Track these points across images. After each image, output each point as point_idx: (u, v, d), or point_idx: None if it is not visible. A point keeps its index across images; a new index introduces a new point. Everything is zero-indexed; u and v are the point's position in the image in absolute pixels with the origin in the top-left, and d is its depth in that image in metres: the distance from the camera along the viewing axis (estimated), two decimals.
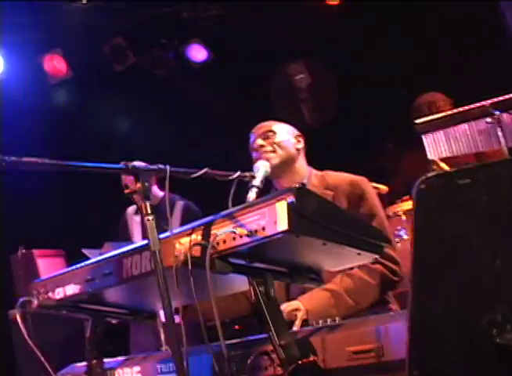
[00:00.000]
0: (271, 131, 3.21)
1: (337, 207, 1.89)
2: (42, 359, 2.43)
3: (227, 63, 7.35)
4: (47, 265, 5.83)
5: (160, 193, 5.10)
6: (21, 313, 2.49)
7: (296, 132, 3.30)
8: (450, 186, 1.06)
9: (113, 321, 2.69)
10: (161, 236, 1.91)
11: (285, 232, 1.66)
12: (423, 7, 6.66)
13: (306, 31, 7.04)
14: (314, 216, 1.71)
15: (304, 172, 3.22)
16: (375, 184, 4.26)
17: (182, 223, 4.84)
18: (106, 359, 2.61)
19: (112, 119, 7.45)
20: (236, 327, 6.09)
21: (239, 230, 1.73)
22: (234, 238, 1.76)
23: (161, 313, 3.35)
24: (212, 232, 1.82)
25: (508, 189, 1.01)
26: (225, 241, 1.79)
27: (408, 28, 6.73)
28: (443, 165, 4.23)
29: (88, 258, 2.47)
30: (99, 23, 6.76)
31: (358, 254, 1.90)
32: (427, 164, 4.60)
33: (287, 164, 3.17)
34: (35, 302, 2.45)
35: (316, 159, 3.38)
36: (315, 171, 3.25)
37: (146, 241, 1.93)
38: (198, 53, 7.35)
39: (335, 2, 7.15)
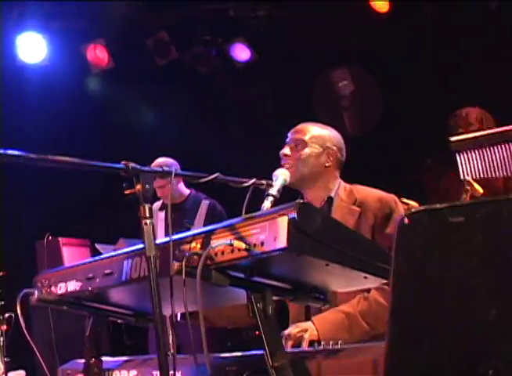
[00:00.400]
0: (303, 141, 3.03)
1: (344, 226, 1.78)
2: (38, 354, 2.38)
3: (270, 65, 7.28)
4: (72, 254, 5.84)
5: (187, 191, 5.05)
6: (21, 305, 2.44)
7: (332, 146, 3.07)
8: (440, 223, 0.94)
9: (119, 321, 2.63)
10: (159, 241, 1.84)
11: (283, 249, 1.57)
12: (475, 20, 6.51)
13: (353, 38, 6.93)
14: (317, 234, 1.61)
15: (333, 185, 3.07)
16: (406, 200, 4.13)
17: (206, 223, 4.79)
18: (105, 359, 2.56)
19: (149, 113, 7.42)
20: (257, 332, 6.02)
21: (236, 243, 1.64)
22: (232, 250, 1.67)
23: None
24: (211, 242, 1.73)
25: (507, 230, 0.89)
26: (223, 253, 1.70)
27: (459, 41, 6.58)
28: (477, 187, 4.07)
29: (100, 254, 2.42)
30: (144, 17, 6.74)
31: (365, 277, 1.79)
32: (463, 186, 4.45)
33: (308, 180, 3.02)
34: (36, 295, 2.40)
35: (351, 169, 3.25)
36: (343, 184, 3.10)
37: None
38: (242, 53, 7.28)
39: (384, 10, 7.02)
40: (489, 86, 6.43)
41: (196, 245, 1.80)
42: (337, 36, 6.98)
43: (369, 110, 7.68)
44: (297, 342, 2.70)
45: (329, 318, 2.79)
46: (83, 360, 2.58)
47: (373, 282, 1.84)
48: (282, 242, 1.57)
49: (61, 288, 2.35)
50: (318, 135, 3.08)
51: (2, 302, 5.48)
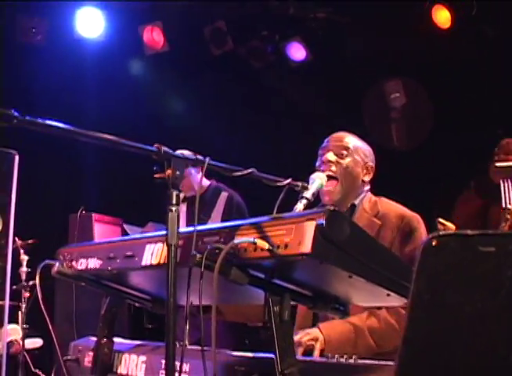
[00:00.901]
0: (347, 148, 2.96)
1: (372, 238, 1.72)
2: (50, 325, 2.37)
3: (324, 67, 7.22)
4: (103, 230, 5.87)
5: (207, 182, 5.01)
6: (40, 275, 2.44)
7: (370, 162, 3.02)
8: (469, 251, 0.87)
9: (136, 304, 2.61)
10: (183, 230, 1.80)
11: (307, 254, 1.51)
12: None
13: (411, 50, 6.84)
14: (343, 244, 1.56)
15: (359, 195, 3.00)
16: (443, 220, 4.03)
17: (225, 215, 4.73)
18: (117, 340, 2.54)
19: (195, 103, 7.41)
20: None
21: (259, 242, 1.59)
22: (255, 249, 1.62)
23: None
24: (235, 238, 1.68)
25: None
26: (245, 250, 1.65)
27: None
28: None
29: (127, 234, 2.40)
30: (205, 4, 6.73)
31: (388, 295, 1.73)
32: (504, 214, 4.34)
33: (348, 195, 2.96)
34: (56, 268, 2.39)
35: (390, 181, 3.18)
36: (369, 195, 3.03)
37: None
38: (297, 52, 7.24)
39: (446, 26, 6.91)
40: None
41: (219, 239, 1.75)
42: (395, 47, 6.90)
43: (419, 126, 7.57)
44: (307, 350, 2.65)
45: (337, 328, 2.73)
46: (95, 338, 2.57)
47: (395, 300, 1.77)
48: (306, 247, 1.51)
49: (82, 264, 2.34)
50: (360, 147, 3.03)
51: (29, 269, 5.54)
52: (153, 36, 6.76)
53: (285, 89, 7.51)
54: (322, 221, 1.51)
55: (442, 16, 6.94)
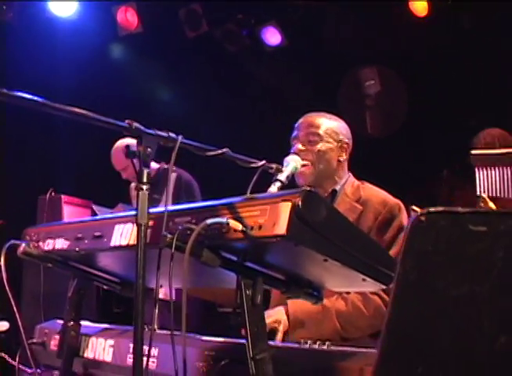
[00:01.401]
0: (317, 134, 2.90)
1: (349, 222, 1.67)
2: (15, 309, 2.30)
3: (299, 53, 7.16)
4: (72, 213, 5.78)
5: (156, 166, 4.96)
6: (6, 256, 2.35)
7: (345, 139, 2.97)
8: (459, 229, 0.82)
9: (104, 287, 2.54)
10: (154, 210, 1.74)
11: (282, 236, 1.46)
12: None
13: (387, 38, 6.82)
14: (319, 226, 1.51)
15: (340, 179, 2.96)
16: (416, 208, 4.01)
17: (175, 195, 4.67)
18: (84, 323, 2.48)
19: (169, 84, 7.33)
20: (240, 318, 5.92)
21: (232, 223, 1.53)
22: (228, 230, 1.56)
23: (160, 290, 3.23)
24: (207, 218, 1.62)
25: None
26: (218, 231, 1.59)
27: (493, 55, 6.45)
28: (492, 205, 3.96)
29: (96, 215, 2.33)
30: None
31: (364, 280, 1.69)
32: (477, 202, 4.34)
33: (321, 179, 2.91)
34: (22, 248, 2.31)
35: (365, 170, 3.13)
36: (352, 179, 2.99)
37: None
38: (272, 37, 7.17)
39: (423, 14, 6.89)
40: None
41: (191, 220, 1.70)
42: (371, 35, 6.87)
43: (392, 113, 7.57)
44: (270, 332, 2.61)
45: (304, 306, 2.67)
46: (61, 321, 2.51)
47: (371, 286, 1.73)
48: (281, 229, 1.46)
49: (49, 244, 2.27)
50: (331, 127, 2.96)
51: None
52: (127, 17, 6.65)
53: (259, 73, 7.45)
54: (299, 202, 1.46)
55: (419, 5, 6.92)
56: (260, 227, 1.51)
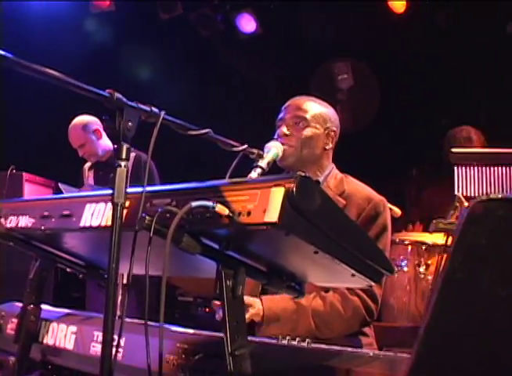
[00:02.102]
0: (304, 119, 2.78)
1: (343, 213, 1.56)
2: None
3: (273, 42, 7.06)
4: (33, 191, 5.62)
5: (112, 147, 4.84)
6: None
7: (332, 127, 2.84)
8: None
9: (68, 270, 2.40)
10: (131, 189, 1.61)
11: (273, 224, 1.34)
12: (486, 40, 6.39)
13: (363, 33, 6.77)
14: (313, 216, 1.39)
15: (323, 170, 2.84)
16: (390, 205, 3.95)
17: (133, 175, 4.55)
18: (45, 307, 2.33)
19: (140, 65, 7.17)
20: (206, 309, 5.83)
21: (219, 207, 1.40)
22: (212, 215, 1.43)
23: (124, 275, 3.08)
24: (190, 201, 1.49)
25: None
26: (201, 216, 1.46)
27: (467, 56, 6.44)
28: (467, 204, 3.90)
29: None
30: None
31: (353, 275, 1.58)
32: (448, 199, 4.30)
33: (305, 164, 2.78)
34: None
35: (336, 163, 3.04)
36: (335, 171, 2.87)
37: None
38: (247, 24, 7.06)
39: (400, 11, 6.85)
40: (489, 105, 6.31)
41: (171, 202, 1.57)
42: (348, 29, 6.80)
43: (364, 109, 7.52)
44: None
45: (279, 303, 2.58)
46: (20, 304, 2.36)
47: (359, 282, 1.62)
48: (272, 216, 1.34)
49: (11, 221, 2.11)
50: (319, 113, 2.83)
51: None
52: None
53: (232, 59, 7.33)
54: (293, 187, 1.34)
55: (398, 2, 6.88)
56: (249, 213, 1.38)
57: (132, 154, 4.80)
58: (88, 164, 5.07)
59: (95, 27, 6.83)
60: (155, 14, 6.76)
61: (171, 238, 1.45)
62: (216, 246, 1.55)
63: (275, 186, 1.38)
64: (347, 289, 2.65)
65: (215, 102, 7.06)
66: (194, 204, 1.42)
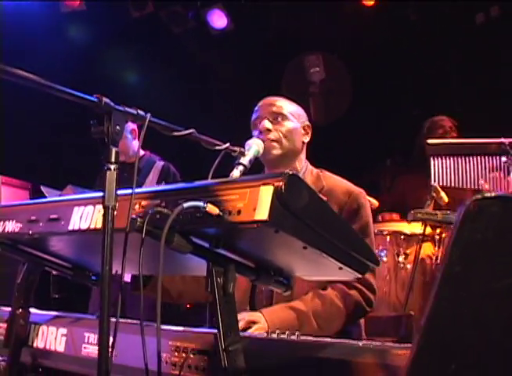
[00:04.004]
0: (281, 114, 2.84)
1: (330, 209, 1.60)
2: None
3: (245, 37, 7.08)
4: (9, 194, 5.59)
5: (142, 152, 4.91)
6: None
7: (306, 122, 2.94)
8: (510, 216, 0.77)
9: (54, 272, 2.41)
10: (120, 192, 1.63)
11: (263, 222, 1.38)
12: (456, 31, 6.47)
13: (335, 26, 6.81)
14: (302, 212, 1.43)
15: (300, 166, 2.89)
16: (367, 197, 4.00)
17: (159, 184, 4.64)
18: (33, 311, 2.34)
19: (112, 62, 7.14)
20: (187, 305, 5.85)
21: (210, 207, 1.44)
22: (202, 215, 1.47)
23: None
24: (179, 202, 1.52)
25: None
26: (191, 216, 1.50)
27: (437, 48, 6.52)
28: (443, 195, 3.98)
29: (45, 197, 2.20)
30: None
31: (340, 268, 1.62)
32: (424, 189, 4.37)
33: (288, 157, 2.84)
34: None
35: (307, 157, 3.08)
36: (310, 168, 2.92)
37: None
38: (218, 20, 7.07)
39: (370, 3, 6.90)
40: (460, 95, 6.39)
41: (160, 203, 1.60)
42: (319, 22, 6.84)
43: (336, 102, 7.58)
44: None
45: (280, 315, 2.57)
46: (7, 308, 2.37)
47: (347, 274, 1.67)
48: (262, 214, 1.38)
49: None
50: (293, 109, 2.91)
51: None
52: None
53: (202, 56, 7.35)
54: (282, 186, 1.38)
55: None
56: (239, 212, 1.42)
57: (160, 163, 4.94)
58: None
59: (66, 27, 6.78)
60: (126, 13, 6.73)
61: (162, 238, 1.47)
62: (206, 244, 1.58)
63: (264, 184, 1.41)
64: (344, 283, 2.67)
65: (189, 99, 7.07)
66: (186, 204, 1.45)
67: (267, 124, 2.82)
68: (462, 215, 0.78)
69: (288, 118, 2.85)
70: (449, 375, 0.78)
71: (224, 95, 7.22)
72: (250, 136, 2.76)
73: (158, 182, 4.66)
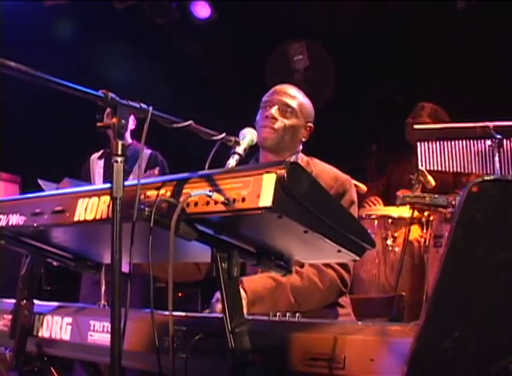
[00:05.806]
0: (292, 108, 2.90)
1: (328, 194, 1.67)
2: None
3: (229, 27, 7.11)
4: (0, 188, 5.61)
5: (129, 141, 4.94)
6: None
7: (310, 123, 3.01)
8: (507, 197, 0.83)
9: (54, 263, 2.47)
10: (126, 183, 1.69)
11: (267, 208, 1.45)
12: (439, 16, 6.53)
13: (318, 14, 6.84)
14: (303, 198, 1.50)
15: (293, 156, 2.97)
16: (356, 182, 4.08)
17: (147, 172, 4.67)
18: (37, 302, 2.40)
19: (97, 54, 7.14)
20: (179, 294, 5.92)
21: (215, 195, 1.50)
22: (208, 203, 1.54)
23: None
24: (185, 191, 1.59)
25: None
26: (196, 204, 1.57)
27: (421, 34, 6.58)
28: (430, 179, 4.07)
29: (43, 191, 2.24)
30: None
31: (339, 251, 1.70)
32: (410, 174, 4.45)
33: (284, 148, 2.93)
34: None
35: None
36: (301, 155, 3.01)
37: (108, 185, 1.69)
38: (202, 9, 7.10)
39: None
40: (445, 81, 6.46)
41: (165, 192, 1.66)
42: (302, 9, 6.87)
43: (320, 89, 7.62)
44: None
45: (260, 283, 2.68)
46: (11, 301, 2.43)
47: (345, 257, 1.74)
48: (266, 201, 1.45)
49: (1, 220, 2.17)
50: (305, 106, 2.98)
51: None
52: None
53: (188, 46, 7.36)
54: (284, 173, 1.45)
55: None
56: (243, 199, 1.49)
57: (147, 151, 4.94)
58: (97, 154, 5.09)
59: (50, 20, 6.79)
60: (109, 4, 6.74)
61: (168, 227, 1.54)
62: (211, 231, 1.64)
63: (267, 172, 1.48)
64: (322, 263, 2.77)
65: (173, 90, 7.09)
66: (194, 193, 1.52)
67: (275, 111, 2.88)
68: (465, 197, 0.85)
69: (296, 114, 2.91)
70: (454, 341, 0.86)
71: (208, 85, 7.25)
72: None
73: (146, 171, 4.70)
